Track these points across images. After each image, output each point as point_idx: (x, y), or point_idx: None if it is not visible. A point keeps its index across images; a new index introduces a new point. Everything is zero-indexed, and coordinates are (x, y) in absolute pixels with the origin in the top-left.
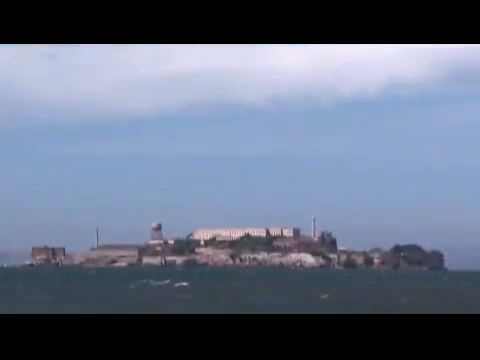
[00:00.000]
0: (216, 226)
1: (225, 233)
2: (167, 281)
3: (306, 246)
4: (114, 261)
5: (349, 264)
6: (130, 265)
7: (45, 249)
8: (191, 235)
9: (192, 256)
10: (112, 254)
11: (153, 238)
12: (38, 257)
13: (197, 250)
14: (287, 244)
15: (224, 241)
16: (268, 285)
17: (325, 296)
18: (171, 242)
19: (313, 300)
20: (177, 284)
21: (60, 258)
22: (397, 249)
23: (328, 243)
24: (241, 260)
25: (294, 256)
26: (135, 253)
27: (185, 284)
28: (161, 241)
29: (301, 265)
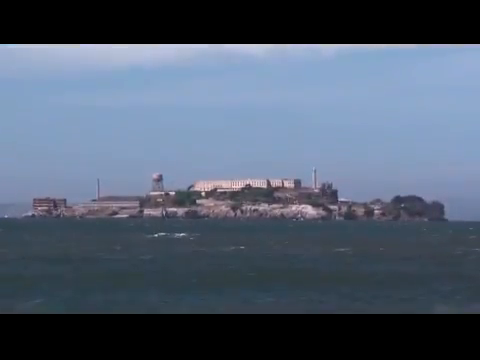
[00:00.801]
0: (217, 177)
1: (226, 184)
2: (182, 234)
3: (307, 197)
4: (115, 212)
5: (350, 215)
6: (131, 216)
7: (46, 200)
8: (192, 186)
9: (193, 207)
10: (113, 205)
11: (154, 189)
12: (39, 208)
13: (198, 201)
14: (288, 195)
15: (225, 192)
16: (292, 238)
17: (342, 249)
18: (172, 193)
19: (330, 253)
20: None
21: (61, 209)
22: (397, 200)
23: (329, 194)
24: (242, 211)
25: (295, 207)
26: (136, 204)
27: (191, 238)
28: (162, 192)
29: (302, 216)
